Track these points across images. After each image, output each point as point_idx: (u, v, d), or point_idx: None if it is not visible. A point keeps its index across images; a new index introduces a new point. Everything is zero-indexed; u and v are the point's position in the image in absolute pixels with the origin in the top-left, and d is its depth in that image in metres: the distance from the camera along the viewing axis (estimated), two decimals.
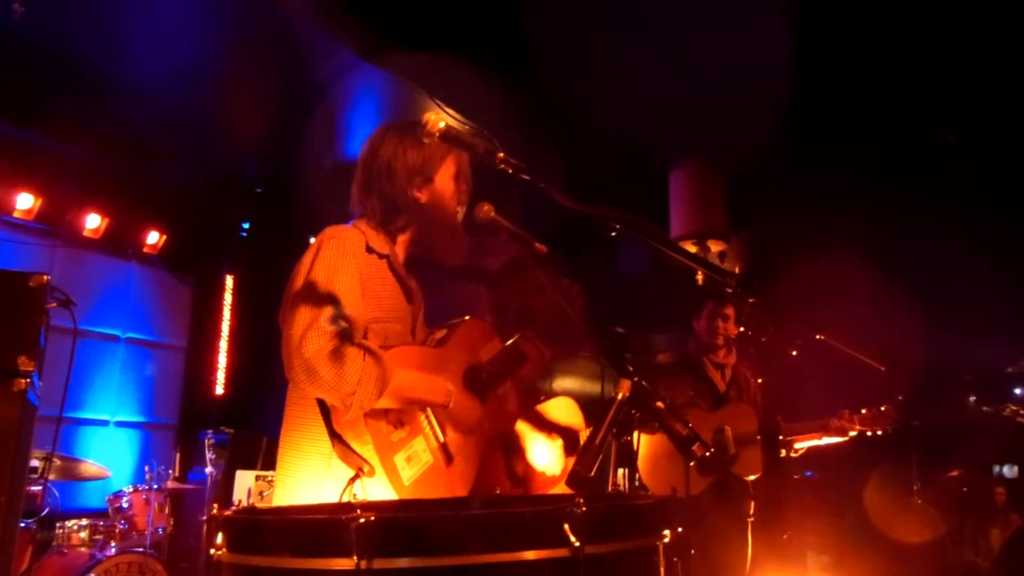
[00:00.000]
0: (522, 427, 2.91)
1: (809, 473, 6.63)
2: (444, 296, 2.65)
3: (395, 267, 2.24)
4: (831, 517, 6.58)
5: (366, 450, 1.94)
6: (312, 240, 2.15)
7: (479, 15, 4.85)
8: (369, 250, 2.16)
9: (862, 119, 5.78)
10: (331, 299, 1.97)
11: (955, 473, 6.66)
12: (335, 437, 1.96)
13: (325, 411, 2.01)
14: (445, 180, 2.29)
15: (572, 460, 2.73)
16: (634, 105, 5.62)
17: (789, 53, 4.93)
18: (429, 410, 2.13)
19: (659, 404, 1.73)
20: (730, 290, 1.64)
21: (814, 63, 5.13)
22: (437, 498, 2.02)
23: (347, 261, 2.07)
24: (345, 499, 1.86)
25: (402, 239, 2.29)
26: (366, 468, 1.90)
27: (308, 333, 1.89)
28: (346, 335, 1.94)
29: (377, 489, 1.94)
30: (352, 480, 1.88)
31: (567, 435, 3.03)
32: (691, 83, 5.39)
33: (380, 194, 2.26)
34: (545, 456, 2.92)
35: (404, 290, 2.25)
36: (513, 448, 3.00)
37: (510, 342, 2.45)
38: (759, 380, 3.99)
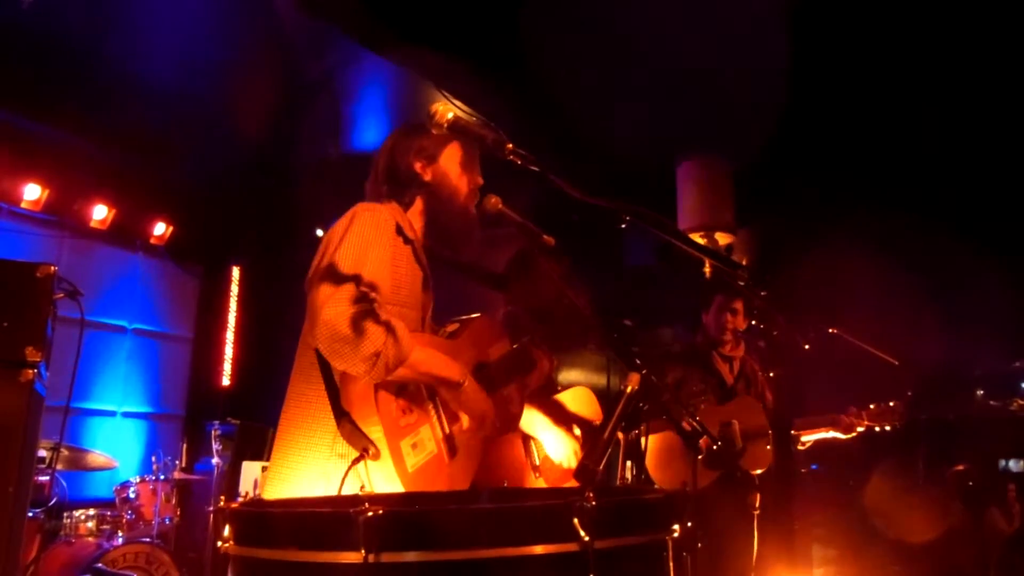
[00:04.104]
0: (540, 419, 2.92)
1: (815, 466, 6.62)
2: (453, 291, 2.65)
3: (418, 254, 2.24)
4: (837, 510, 6.56)
5: (374, 431, 1.92)
6: (319, 232, 2.14)
7: (485, 9, 4.83)
8: (399, 232, 2.17)
9: (870, 113, 5.75)
10: (360, 269, 1.97)
11: (961, 467, 6.63)
12: (343, 415, 1.94)
13: (332, 390, 2.00)
14: (450, 163, 2.29)
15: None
16: (642, 100, 5.59)
17: (797, 46, 4.90)
18: (437, 399, 2.13)
19: (666, 397, 1.72)
20: (741, 283, 1.63)
21: (821, 57, 5.10)
22: (445, 491, 2.01)
23: (380, 235, 2.08)
24: (348, 480, 1.85)
25: (417, 225, 2.28)
26: (371, 450, 1.88)
27: (334, 296, 1.89)
28: (372, 302, 1.93)
29: (381, 474, 1.92)
30: (356, 461, 1.87)
31: (585, 427, 3.03)
32: (697, 78, 5.36)
33: (386, 173, 2.29)
34: (562, 448, 2.93)
35: (422, 278, 2.25)
36: (532, 439, 3.01)
37: (518, 345, 2.45)
38: (769, 374, 3.97)
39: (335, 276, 1.93)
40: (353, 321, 1.86)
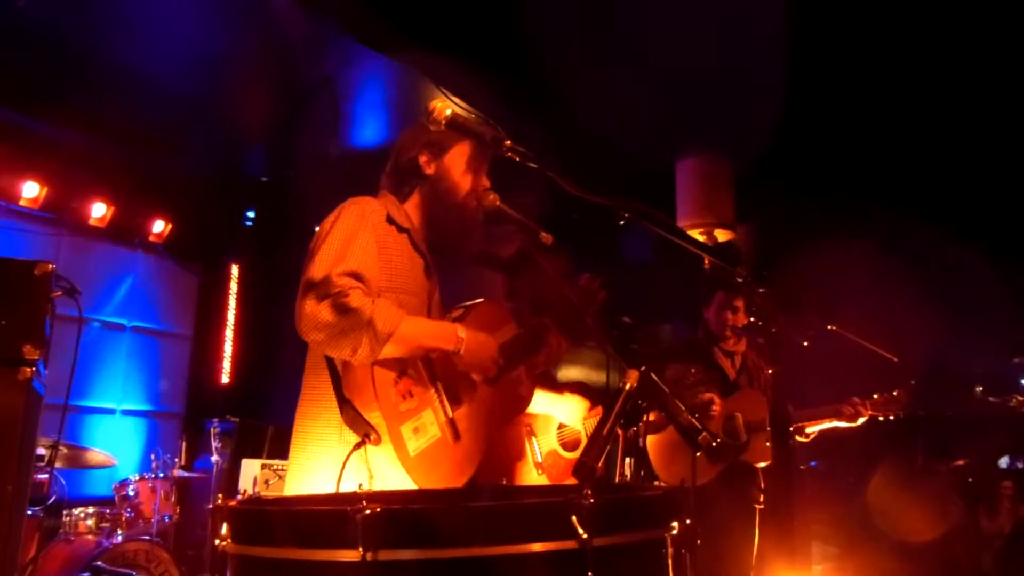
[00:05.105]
0: (547, 396, 2.93)
1: (815, 463, 6.62)
2: (460, 281, 2.65)
3: (415, 241, 2.25)
4: (837, 507, 6.56)
5: (373, 417, 1.95)
6: (318, 229, 2.16)
7: (484, 6, 4.83)
8: (390, 221, 2.20)
9: (869, 110, 5.74)
10: (344, 258, 2.01)
11: (961, 463, 6.64)
12: (344, 403, 1.98)
13: (335, 377, 2.03)
14: (456, 159, 2.29)
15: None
16: (641, 97, 5.59)
17: (796, 44, 4.90)
18: (439, 384, 2.14)
19: (666, 394, 1.72)
20: (740, 279, 1.63)
21: (821, 54, 5.09)
22: (443, 489, 2.02)
23: (365, 225, 2.11)
24: (350, 465, 1.87)
25: (415, 217, 2.30)
26: (372, 436, 1.91)
27: (317, 287, 1.93)
28: (352, 287, 1.96)
29: (382, 458, 1.95)
30: (357, 446, 1.91)
31: (590, 393, 3.05)
32: (697, 75, 5.35)
33: (393, 163, 2.34)
34: (576, 414, 2.95)
35: (423, 266, 2.27)
36: (535, 434, 3.01)
37: (526, 328, 2.45)
38: (769, 370, 3.97)
39: (318, 269, 1.97)
40: (333, 308, 1.90)
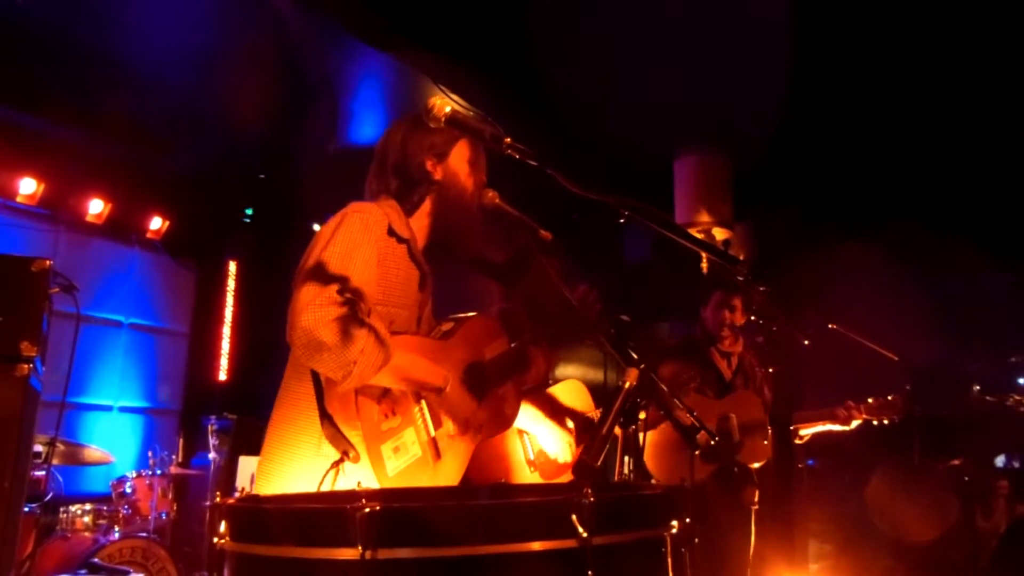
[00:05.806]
0: (533, 412, 2.91)
1: (811, 462, 6.63)
2: (456, 286, 2.64)
3: (414, 253, 2.20)
4: (833, 505, 6.58)
5: (354, 435, 1.92)
6: (316, 227, 2.13)
7: (482, 3, 4.82)
8: (391, 232, 2.14)
9: (868, 109, 5.74)
10: (345, 272, 1.95)
11: (957, 462, 6.65)
12: (326, 418, 1.94)
13: (319, 390, 1.99)
14: (459, 161, 2.26)
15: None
16: (639, 95, 5.58)
17: (795, 42, 4.90)
18: (423, 403, 2.10)
19: (663, 392, 1.72)
20: (740, 278, 1.62)
21: (819, 52, 5.09)
22: (443, 487, 2.00)
23: (368, 238, 2.05)
24: (327, 482, 1.85)
25: (421, 224, 2.25)
26: (352, 453, 1.88)
27: (316, 300, 1.86)
28: (354, 307, 1.90)
29: (360, 476, 1.90)
30: (336, 464, 1.88)
31: (578, 420, 3.01)
32: (696, 72, 5.35)
33: (395, 170, 2.25)
34: (556, 441, 2.91)
35: (418, 277, 2.22)
36: (526, 433, 2.99)
37: (515, 344, 2.42)
38: (768, 369, 3.97)
39: (317, 280, 1.90)
40: (331, 328, 1.83)
